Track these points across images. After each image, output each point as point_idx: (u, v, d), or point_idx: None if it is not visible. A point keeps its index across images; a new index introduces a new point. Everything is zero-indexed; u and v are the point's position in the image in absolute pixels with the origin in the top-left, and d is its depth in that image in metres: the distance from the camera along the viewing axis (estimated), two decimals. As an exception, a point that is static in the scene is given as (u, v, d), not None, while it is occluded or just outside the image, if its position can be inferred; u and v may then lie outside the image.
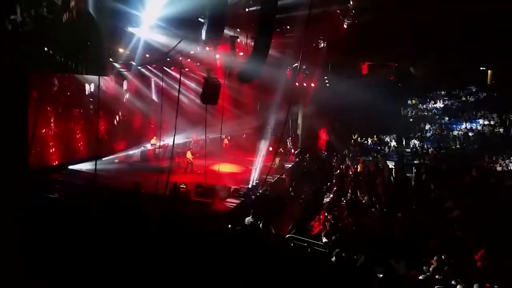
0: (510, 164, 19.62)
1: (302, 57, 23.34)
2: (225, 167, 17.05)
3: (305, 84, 24.93)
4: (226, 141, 20.18)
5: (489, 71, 33.78)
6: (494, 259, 9.71)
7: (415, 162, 22.28)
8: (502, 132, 25.36)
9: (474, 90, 32.80)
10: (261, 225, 9.98)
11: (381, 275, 6.71)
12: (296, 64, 23.83)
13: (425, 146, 24.58)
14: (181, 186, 13.32)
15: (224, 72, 16.27)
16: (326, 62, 28.91)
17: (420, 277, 7.40)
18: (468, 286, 7.12)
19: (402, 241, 10.85)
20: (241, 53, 16.56)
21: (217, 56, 18.14)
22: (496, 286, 7.37)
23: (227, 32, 13.67)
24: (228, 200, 13.42)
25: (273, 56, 16.95)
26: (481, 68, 33.92)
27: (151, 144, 18.22)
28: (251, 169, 18.11)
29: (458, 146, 23.77)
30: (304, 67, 24.71)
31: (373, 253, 9.21)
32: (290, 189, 16.72)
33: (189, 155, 17.25)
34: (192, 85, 19.06)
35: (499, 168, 19.72)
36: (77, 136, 15.52)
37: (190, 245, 7.20)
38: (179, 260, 6.15)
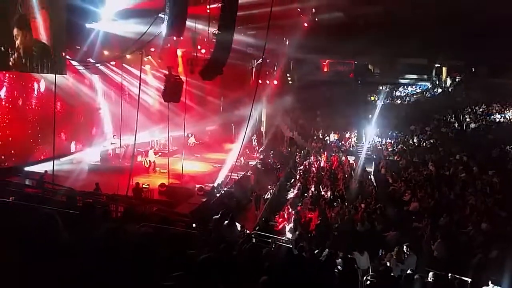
0: (464, 157, 20.61)
1: (265, 54, 23.55)
2: (189, 166, 16.88)
3: (268, 82, 25.11)
4: (193, 139, 19.95)
5: (443, 68, 35.42)
6: (449, 249, 10.20)
7: (374, 157, 22.95)
8: (456, 127, 26.60)
9: (430, 87, 34.28)
10: (225, 222, 9.96)
11: (343, 268, 6.87)
12: (259, 62, 23.98)
13: (384, 141, 25.38)
14: (143, 186, 13.07)
15: (186, 69, 16.10)
16: (288, 60, 29.29)
17: (381, 268, 7.64)
18: (425, 275, 7.43)
19: (364, 234, 11.19)
20: (203, 50, 16.44)
21: (179, 53, 17.93)
22: (450, 274, 7.72)
23: (189, 28, 13.51)
24: (193, 198, 13.30)
25: (236, 53, 16.95)
26: (437, 65, 35.54)
27: (111, 143, 17.74)
28: (215, 167, 18.03)
29: (415, 142, 24.70)
30: (267, 64, 24.91)
31: (336, 246, 9.43)
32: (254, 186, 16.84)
33: (151, 154, 16.94)
34: (154, 82, 18.72)
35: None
36: (33, 137, 14.86)
37: (153, 245, 7.11)
38: (141, 262, 6.05)
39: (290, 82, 30.84)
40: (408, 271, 7.09)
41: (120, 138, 17.52)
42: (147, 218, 9.32)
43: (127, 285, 5.49)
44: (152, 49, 16.81)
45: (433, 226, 11.42)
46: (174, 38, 15.17)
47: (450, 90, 33.33)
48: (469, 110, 28.43)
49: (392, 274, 7.14)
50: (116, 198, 11.04)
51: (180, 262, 6.35)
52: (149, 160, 16.61)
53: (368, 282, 7.21)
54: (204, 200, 13.11)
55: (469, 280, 7.54)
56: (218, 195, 13.84)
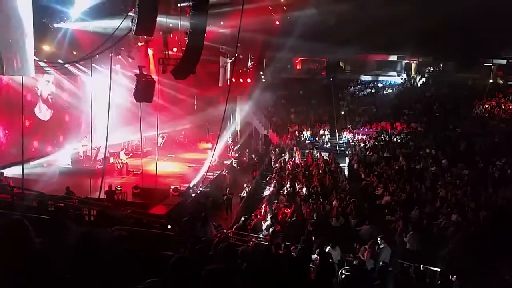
0: (433, 151, 21.21)
1: (238, 52, 23.53)
2: (164, 166, 16.69)
3: (241, 80, 25.10)
4: (161, 140, 19.67)
5: (413, 64, 36.30)
6: (421, 240, 10.50)
7: (347, 152, 23.33)
8: (425, 120, 27.30)
9: (399, 83, 35.04)
10: (201, 222, 9.91)
11: (318, 262, 6.97)
12: (231, 60, 23.93)
13: (357, 137, 25.81)
14: (116, 188, 12.84)
15: (158, 68, 15.89)
16: (261, 58, 29.36)
17: (355, 262, 7.80)
18: (398, 267, 7.64)
19: (339, 228, 11.38)
20: (175, 49, 16.27)
21: (150, 52, 17.68)
22: (422, 265, 7.94)
23: (160, 26, 13.35)
24: (168, 199, 13.16)
25: (209, 51, 16.85)
26: (406, 61, 36.38)
27: (82, 145, 17.32)
28: (190, 167, 17.90)
29: (387, 137, 25.24)
30: (240, 62, 24.90)
31: (311, 241, 9.55)
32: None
33: (123, 155, 16.65)
34: (125, 82, 18.39)
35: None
36: (0, 140, 14.37)
37: (128, 249, 7.01)
38: (115, 266, 5.96)
39: (263, 80, 30.93)
40: (381, 264, 7.25)
41: (91, 139, 17.14)
42: (121, 221, 9.17)
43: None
44: (122, 49, 16.52)
45: (405, 219, 11.73)
46: (145, 37, 14.96)
47: (419, 85, 34.17)
48: (438, 105, 29.23)
49: (366, 267, 7.30)
50: (88, 201, 10.80)
51: (156, 265, 6.30)
52: (122, 162, 16.31)
53: (343, 276, 7.33)
54: (179, 200, 12.99)
55: (440, 270, 7.77)
56: (193, 195, 13.75)
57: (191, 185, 14.54)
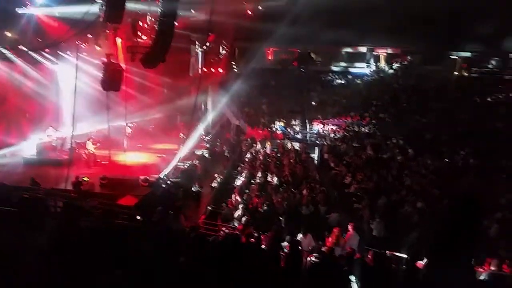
0: (400, 141, 21.82)
1: (209, 42, 23.28)
2: (132, 157, 16.40)
3: (213, 70, 24.87)
4: (128, 130, 19.25)
5: (381, 56, 36.97)
6: (387, 228, 10.85)
7: (317, 143, 23.64)
8: (393, 111, 27.98)
9: (368, 74, 35.67)
10: (172, 213, 9.86)
11: (288, 250, 7.08)
12: (203, 49, 23.68)
13: (327, 128, 26.20)
14: (83, 179, 12.54)
15: (126, 57, 15.53)
16: (233, 47, 29.16)
17: (323, 249, 7.97)
18: (365, 254, 7.85)
19: (308, 216, 11.58)
20: (144, 37, 15.93)
21: (118, 39, 17.22)
22: (388, 252, 8.20)
23: (128, 13, 13.02)
24: (137, 190, 12.96)
25: (179, 40, 16.59)
26: (375, 53, 37.02)
27: (48, 135, 16.77)
28: (160, 157, 17.67)
29: (356, 128, 25.75)
30: (211, 52, 24.64)
31: (282, 230, 9.69)
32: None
33: (90, 145, 16.22)
34: (92, 70, 17.88)
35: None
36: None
37: (97, 240, 6.88)
38: (84, 258, 5.86)
39: (235, 70, 30.76)
40: (347, 250, 7.44)
41: (57, 129, 16.60)
42: (88, 212, 9.00)
43: (71, 282, 5.30)
44: (90, 36, 16.03)
45: (372, 207, 12.07)
46: (113, 24, 14.59)
47: (387, 77, 34.88)
48: (405, 96, 29.99)
49: (334, 253, 7.48)
50: (54, 192, 10.53)
51: (125, 256, 6.24)
52: (89, 152, 15.90)
53: (312, 262, 7.48)
54: (149, 191, 12.83)
55: (406, 256, 8.04)
56: (164, 185, 13.59)
57: (161, 175, 14.37)
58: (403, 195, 13.51)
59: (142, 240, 7.15)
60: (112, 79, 11.74)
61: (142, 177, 13.42)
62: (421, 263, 7.11)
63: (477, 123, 24.24)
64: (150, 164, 16.55)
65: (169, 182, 13.95)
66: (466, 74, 34.02)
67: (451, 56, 34.65)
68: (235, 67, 31.56)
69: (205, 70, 23.83)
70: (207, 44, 23.24)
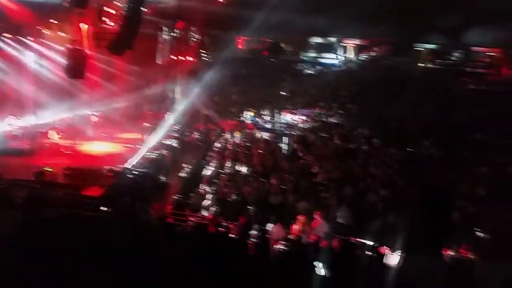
0: (366, 131, 22.30)
1: (178, 29, 22.90)
2: (98, 146, 16.00)
3: (182, 58, 24.47)
4: (95, 118, 18.75)
5: (350, 47, 37.52)
6: (353, 216, 11.11)
7: (287, 132, 23.80)
8: (360, 101, 28.50)
9: (337, 65, 36.17)
10: (139, 204, 9.74)
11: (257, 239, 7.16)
12: (171, 36, 23.25)
13: (296, 118, 26.39)
14: (46, 169, 12.14)
15: (92, 43, 15.05)
16: (203, 35, 28.82)
17: (292, 237, 8.10)
18: (331, 241, 8.04)
19: (278, 205, 11.71)
20: (111, 23, 15.48)
21: (83, 25, 16.66)
22: (359, 240, 8.43)
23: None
24: (103, 180, 12.68)
25: (147, 26, 16.26)
26: (343, 44, 37.52)
27: (8, 124, 16.10)
28: (127, 147, 17.35)
29: (324, 118, 26.11)
30: (181, 40, 24.26)
31: (251, 219, 9.75)
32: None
33: (53, 134, 15.69)
34: (56, 57, 17.23)
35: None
36: None
37: (61, 231, 6.72)
38: (51, 246, 5.72)
39: (205, 58, 30.43)
40: (314, 238, 7.60)
41: (18, 117, 15.94)
42: (52, 203, 8.77)
43: (35, 273, 5.17)
44: (53, 21, 15.41)
45: (339, 196, 12.32)
46: (78, 9, 14.12)
47: (355, 68, 35.47)
48: (372, 87, 30.57)
49: (301, 241, 7.62)
50: (16, 183, 10.17)
51: (92, 247, 6.13)
52: (52, 141, 15.39)
53: (280, 250, 7.59)
54: (115, 182, 12.58)
55: (371, 243, 8.27)
56: (130, 176, 13.37)
57: (128, 165, 14.12)
58: (369, 184, 13.83)
59: (108, 231, 7.04)
60: (76, 67, 11.41)
61: (107, 167, 13.15)
62: (385, 249, 7.37)
63: (441, 115, 25.10)
64: (116, 154, 16.22)
65: (136, 172, 13.74)
66: (431, 65, 35.03)
67: (417, 48, 35.55)
68: (204, 55, 31.22)
69: (174, 58, 23.42)
70: (176, 31, 22.85)
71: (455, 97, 28.52)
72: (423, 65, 35.26)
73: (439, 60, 35.21)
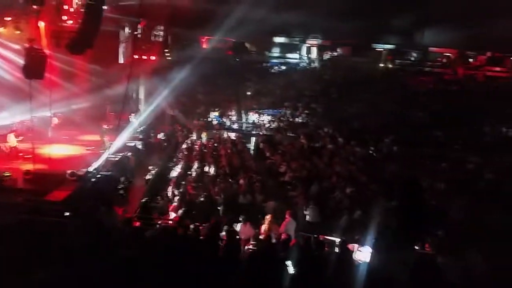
0: (330, 130, 22.77)
1: (141, 27, 22.44)
2: (58, 149, 15.40)
3: (145, 57, 23.97)
4: (55, 120, 18.04)
5: (313, 47, 38.11)
6: (320, 213, 11.31)
7: (253, 132, 23.93)
8: (323, 101, 29.04)
9: (301, 65, 36.66)
10: (103, 208, 9.46)
11: (226, 240, 7.13)
12: (133, 35, 22.77)
13: (262, 118, 26.56)
14: (4, 174, 11.58)
15: (50, 42, 14.49)
16: (166, 34, 28.38)
17: (260, 237, 8.14)
18: (300, 239, 8.14)
19: (246, 205, 11.73)
20: (70, 21, 14.96)
21: (41, 23, 16.01)
22: (327, 237, 8.58)
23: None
24: (65, 185, 12.22)
25: (108, 24, 15.83)
26: (307, 45, 38.09)
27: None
28: (88, 150, 16.83)
29: (289, 117, 26.44)
30: (143, 38, 23.77)
31: (220, 220, 9.72)
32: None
33: (12, 138, 14.97)
34: (12, 56, 16.43)
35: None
36: None
37: (22, 238, 6.44)
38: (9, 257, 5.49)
39: (168, 58, 29.99)
40: (283, 236, 7.67)
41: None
42: (11, 209, 8.38)
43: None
44: (9, 19, 14.70)
45: (306, 194, 12.51)
46: (35, 6, 13.55)
47: (319, 68, 36.09)
48: (335, 87, 31.23)
49: (270, 240, 7.67)
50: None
51: (54, 254, 5.90)
52: (10, 145, 14.68)
53: (250, 250, 7.62)
54: (78, 185, 12.17)
55: (338, 239, 8.46)
56: (94, 179, 12.96)
57: (90, 169, 13.69)
58: (334, 181, 14.13)
59: (72, 237, 6.82)
60: (35, 66, 10.92)
61: (69, 171, 12.69)
62: (352, 245, 7.55)
63: (400, 113, 26.02)
64: (78, 156, 15.68)
65: (99, 175, 13.34)
66: (391, 65, 36.19)
67: (377, 49, 36.61)
68: (168, 54, 30.77)
69: (136, 57, 22.91)
70: (138, 29, 22.39)
71: (414, 96, 29.63)
72: (383, 65, 36.36)
73: (399, 60, 36.41)
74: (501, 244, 6.98)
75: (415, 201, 4.00)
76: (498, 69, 33.69)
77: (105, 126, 17.21)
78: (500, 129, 23.29)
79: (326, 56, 37.51)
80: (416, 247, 7.44)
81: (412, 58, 37.43)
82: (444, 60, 36.81)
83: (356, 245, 7.55)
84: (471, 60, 35.95)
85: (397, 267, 3.59)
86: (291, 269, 5.81)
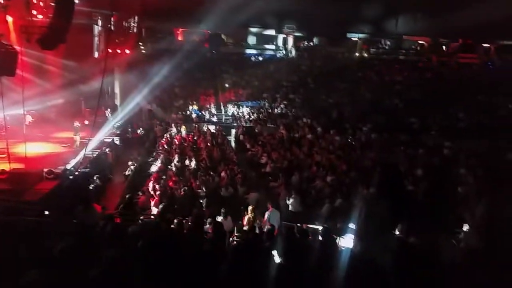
0: (309, 120, 22.88)
1: (114, 21, 21.93)
2: (34, 148, 14.98)
3: (119, 51, 23.48)
4: (29, 118, 17.53)
5: (290, 38, 38.14)
6: (302, 202, 11.42)
7: (233, 124, 23.86)
8: (301, 91, 29.15)
9: (278, 56, 36.61)
10: (83, 205, 9.28)
11: (212, 233, 7.13)
12: (107, 28, 22.25)
13: (241, 110, 26.47)
14: (-23, 175, 11.22)
15: (20, 37, 14.00)
16: (140, 27, 27.88)
17: (245, 228, 8.16)
18: (284, 229, 8.22)
19: (228, 198, 11.73)
20: (40, 16, 14.48)
21: (9, 18, 15.47)
22: (311, 226, 8.68)
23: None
24: (42, 184, 11.93)
25: (81, 18, 15.42)
26: (283, 36, 38.06)
27: None
28: (65, 147, 16.46)
29: (268, 108, 26.44)
30: (116, 31, 23.25)
31: (202, 213, 9.70)
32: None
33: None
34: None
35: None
36: None
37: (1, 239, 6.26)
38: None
39: (143, 51, 29.48)
40: (267, 227, 7.72)
41: None
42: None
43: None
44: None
45: (287, 184, 12.59)
46: (2, 1, 13.09)
47: (296, 59, 36.13)
48: (312, 77, 31.37)
49: (255, 232, 7.70)
50: None
51: (35, 255, 5.76)
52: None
53: (235, 243, 7.64)
54: (55, 184, 11.90)
55: (321, 227, 8.56)
56: (71, 177, 12.70)
57: (68, 166, 13.40)
58: (314, 171, 14.27)
59: (51, 237, 6.67)
60: (5, 63, 10.54)
61: (46, 170, 12.40)
62: (336, 232, 7.66)
63: (377, 101, 26.40)
64: (55, 154, 15.33)
65: (77, 173, 13.07)
66: (366, 55, 36.58)
67: (353, 38, 36.93)
68: (142, 47, 30.25)
69: (110, 51, 22.42)
70: (112, 23, 21.88)
71: (390, 84, 30.09)
72: (358, 54, 36.72)
73: (373, 49, 36.83)
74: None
75: (394, 186, 4.08)
76: (470, 56, 34.50)
77: (77, 123, 16.80)
78: (474, 114, 23.90)
79: (302, 46, 37.56)
80: (397, 232, 7.62)
81: (386, 47, 37.91)
82: (418, 48, 37.44)
83: (339, 232, 7.68)
84: (444, 47, 36.70)
85: (379, 251, 3.67)
86: (277, 259, 5.85)
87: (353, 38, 37.14)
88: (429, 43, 36.71)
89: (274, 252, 6.02)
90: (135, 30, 26.18)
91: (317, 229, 8.41)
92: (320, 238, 7.43)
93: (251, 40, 37.74)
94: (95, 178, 13.32)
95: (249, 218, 9.43)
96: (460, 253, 4.88)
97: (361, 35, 37.09)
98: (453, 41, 35.74)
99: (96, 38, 22.64)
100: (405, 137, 19.39)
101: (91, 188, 12.64)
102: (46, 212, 8.82)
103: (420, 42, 37.33)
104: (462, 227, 7.39)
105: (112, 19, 21.20)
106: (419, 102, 25.48)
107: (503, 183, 4.08)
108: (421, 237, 4.69)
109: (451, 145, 17.42)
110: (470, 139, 18.03)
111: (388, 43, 38.00)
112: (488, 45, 34.78)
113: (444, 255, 4.22)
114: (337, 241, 7.25)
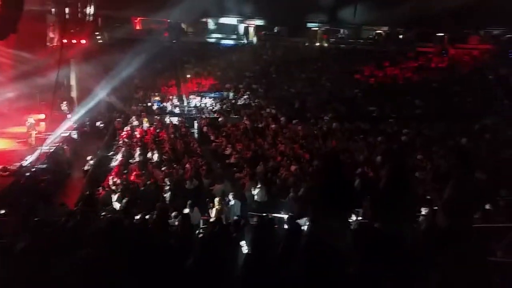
0: (272, 110, 23.03)
1: (68, 9, 21.05)
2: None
3: (74, 41, 22.53)
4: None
5: (250, 28, 37.92)
6: (267, 192, 11.53)
7: (196, 116, 23.59)
8: (264, 81, 29.19)
9: (239, 46, 36.35)
10: (43, 202, 8.97)
11: (178, 226, 7.08)
12: (61, 17, 21.35)
13: (204, 101, 26.19)
14: None
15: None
16: (96, 15, 26.87)
17: (211, 220, 8.16)
18: (250, 219, 8.28)
19: (193, 190, 11.67)
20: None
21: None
22: (276, 215, 8.77)
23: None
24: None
25: (33, 6, 14.66)
26: (244, 25, 37.80)
27: None
28: (19, 142, 15.73)
29: (231, 99, 26.33)
30: (71, 21, 22.30)
31: (167, 207, 9.59)
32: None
33: None
34: None
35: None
36: None
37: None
38: None
39: (100, 41, 28.44)
40: (235, 218, 7.77)
41: None
42: None
43: None
44: None
45: (252, 174, 12.68)
46: None
47: (257, 48, 35.99)
48: (274, 67, 31.47)
49: (222, 223, 7.72)
50: None
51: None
52: None
53: (202, 234, 7.62)
54: (11, 181, 11.40)
55: (286, 216, 8.70)
56: (28, 174, 12.19)
57: (23, 163, 12.83)
58: (279, 160, 14.43)
59: (9, 236, 6.42)
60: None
61: (0, 166, 11.85)
62: (300, 220, 7.79)
63: (337, 90, 26.94)
64: (9, 151, 14.63)
65: (33, 169, 12.56)
66: (326, 44, 37.02)
67: (313, 28, 37.21)
68: (99, 37, 29.18)
69: (65, 41, 21.47)
70: (66, 11, 20.97)
71: (349, 73, 30.70)
72: (319, 44, 37.10)
73: (332, 39, 37.33)
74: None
75: (334, 175, 4.33)
76: (429, 44, 35.68)
77: (32, 119, 16.09)
78: (430, 101, 24.80)
79: (263, 36, 37.44)
80: (355, 217, 7.89)
81: (345, 37, 38.50)
82: (376, 38, 38.29)
83: (303, 219, 7.82)
84: (401, 36, 37.74)
85: (332, 236, 3.91)
86: (245, 249, 5.91)
87: (313, 28, 37.43)
88: (387, 32, 37.64)
89: (243, 243, 6.08)
90: (91, 18, 25.19)
91: (283, 218, 8.55)
92: (286, 226, 7.57)
93: (212, 29, 37.21)
94: (61, 173, 12.90)
95: (216, 209, 9.44)
96: (421, 235, 5.17)
97: (319, 25, 37.41)
98: (409, 30, 36.78)
99: (50, 28, 21.61)
100: (365, 125, 19.96)
101: (49, 184, 12.20)
102: (2, 211, 8.44)
103: (377, 31, 38.18)
104: (421, 211, 7.76)
105: (67, 7, 20.37)
106: (377, 91, 26.23)
107: (461, 166, 4.34)
108: (385, 221, 4.89)
109: (409, 131, 18.12)
110: (426, 125, 18.85)
111: (347, 32, 38.59)
112: (442, 34, 36.05)
113: (406, 237, 4.47)
114: (302, 228, 7.40)
